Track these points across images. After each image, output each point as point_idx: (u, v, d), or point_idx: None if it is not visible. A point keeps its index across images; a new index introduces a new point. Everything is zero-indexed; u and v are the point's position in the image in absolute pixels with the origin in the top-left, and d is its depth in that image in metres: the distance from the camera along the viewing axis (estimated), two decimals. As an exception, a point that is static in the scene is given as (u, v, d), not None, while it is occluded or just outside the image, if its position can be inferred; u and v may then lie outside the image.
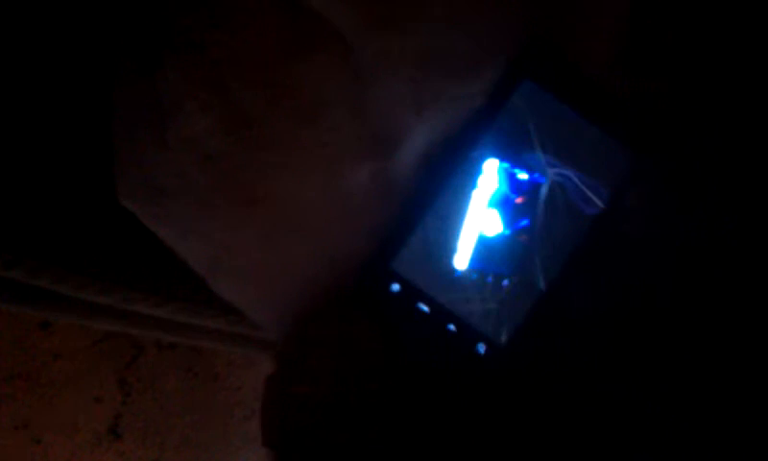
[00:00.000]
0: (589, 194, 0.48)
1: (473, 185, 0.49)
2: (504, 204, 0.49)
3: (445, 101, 0.45)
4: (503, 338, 0.49)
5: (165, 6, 0.44)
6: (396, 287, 0.49)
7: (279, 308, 0.50)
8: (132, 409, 0.78)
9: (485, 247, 0.50)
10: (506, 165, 0.48)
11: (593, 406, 0.48)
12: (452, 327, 0.49)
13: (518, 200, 0.49)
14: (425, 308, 0.49)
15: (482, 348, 0.49)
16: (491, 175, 0.48)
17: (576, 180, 0.48)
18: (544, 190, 0.49)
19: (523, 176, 0.49)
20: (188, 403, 0.78)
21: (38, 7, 0.49)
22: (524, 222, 0.49)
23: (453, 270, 0.49)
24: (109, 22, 0.46)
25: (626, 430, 0.48)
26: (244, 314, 0.52)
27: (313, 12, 0.42)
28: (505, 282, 0.49)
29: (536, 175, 0.49)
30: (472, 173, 0.48)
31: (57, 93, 0.51)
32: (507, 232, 0.49)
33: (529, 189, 0.50)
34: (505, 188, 0.49)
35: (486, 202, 0.49)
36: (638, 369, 0.49)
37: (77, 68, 0.50)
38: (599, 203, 0.49)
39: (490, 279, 0.49)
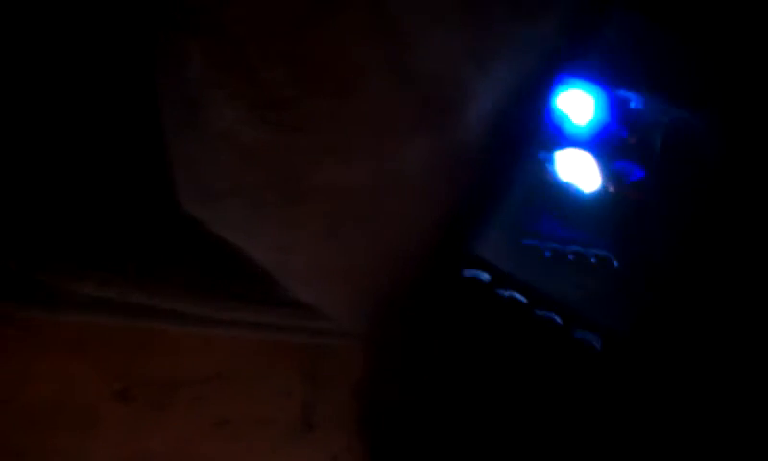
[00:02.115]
0: (712, 138, 0.37)
1: (563, 132, 0.39)
2: (607, 145, 0.39)
3: (511, 47, 0.37)
4: (624, 327, 0.39)
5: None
6: (485, 277, 0.41)
7: (350, 302, 0.45)
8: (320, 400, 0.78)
9: (585, 211, 0.40)
10: (607, 89, 0.38)
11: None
12: (557, 318, 0.40)
13: (630, 139, 0.39)
14: (522, 298, 0.41)
15: (597, 341, 0.40)
16: (585, 103, 0.38)
17: (695, 121, 0.37)
18: (658, 135, 0.39)
19: (634, 103, 0.38)
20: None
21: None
22: (635, 173, 0.39)
23: (552, 248, 0.40)
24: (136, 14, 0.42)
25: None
26: (318, 309, 0.47)
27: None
28: (605, 256, 0.39)
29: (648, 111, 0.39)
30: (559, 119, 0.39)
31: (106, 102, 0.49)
32: (612, 188, 0.39)
33: (643, 125, 0.39)
34: (608, 120, 0.39)
35: (581, 144, 0.39)
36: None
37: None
38: (724, 148, 0.37)
39: (585, 253, 0.40)
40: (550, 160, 0.39)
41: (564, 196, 0.39)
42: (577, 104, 0.38)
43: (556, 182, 0.39)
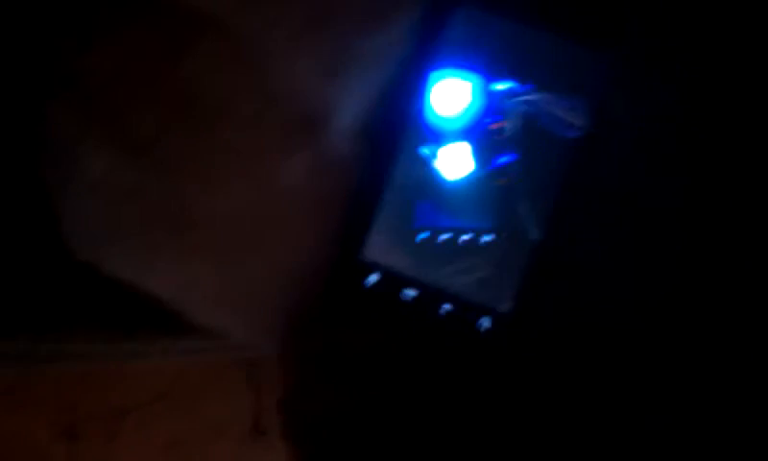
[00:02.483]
0: (568, 116, 0.39)
1: (431, 124, 0.41)
2: (475, 132, 0.41)
3: (365, 56, 0.38)
4: (506, 305, 0.42)
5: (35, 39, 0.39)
6: (373, 279, 0.42)
7: (257, 324, 0.46)
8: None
9: (458, 198, 0.42)
10: (474, 78, 0.40)
11: (613, 360, 0.40)
12: (448, 306, 0.42)
13: (494, 125, 0.41)
14: (412, 293, 0.42)
15: (486, 321, 0.42)
16: (459, 93, 0.40)
17: (550, 103, 0.39)
18: (517, 121, 0.40)
19: (501, 87, 0.40)
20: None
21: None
22: (504, 158, 0.41)
23: (431, 240, 0.42)
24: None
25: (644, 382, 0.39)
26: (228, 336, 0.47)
27: (179, 7, 0.36)
28: (491, 239, 0.41)
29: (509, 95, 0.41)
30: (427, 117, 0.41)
31: None
32: (481, 173, 0.41)
33: (509, 110, 0.41)
34: (481, 108, 0.41)
35: (452, 133, 0.41)
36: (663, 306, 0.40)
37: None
38: (580, 123, 0.39)
39: (475, 238, 0.41)
40: (431, 154, 0.40)
41: (446, 187, 0.41)
42: (450, 94, 0.40)
43: (438, 175, 0.41)
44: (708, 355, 0.41)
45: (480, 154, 0.42)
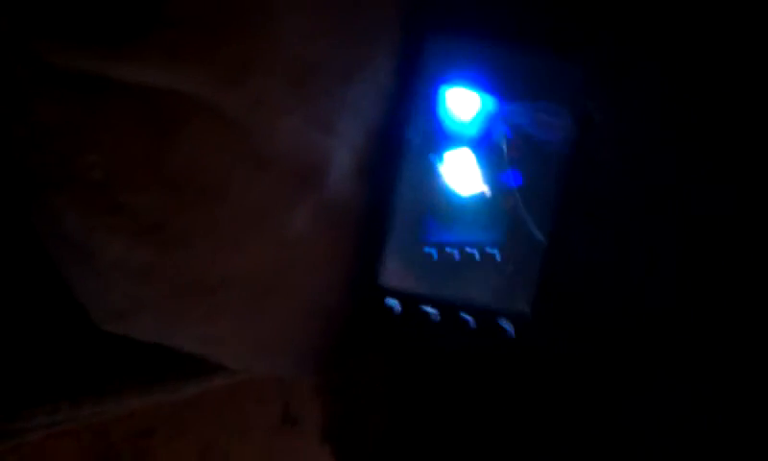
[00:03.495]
0: (553, 123, 0.40)
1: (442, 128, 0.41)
2: (482, 142, 0.42)
3: (351, 101, 0.38)
4: (526, 308, 0.43)
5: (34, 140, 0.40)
6: (393, 303, 0.44)
7: (287, 365, 0.47)
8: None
9: (465, 212, 0.43)
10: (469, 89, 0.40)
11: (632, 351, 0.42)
12: (470, 318, 0.44)
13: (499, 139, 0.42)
14: (434, 312, 0.44)
15: (509, 327, 0.43)
16: (468, 100, 0.41)
17: (533, 114, 0.40)
18: (514, 134, 0.41)
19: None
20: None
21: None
22: (507, 174, 0.42)
23: (442, 256, 0.43)
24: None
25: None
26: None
27: (164, 94, 0.36)
28: (499, 247, 0.42)
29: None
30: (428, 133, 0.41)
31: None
32: (486, 188, 0.42)
33: (502, 125, 0.42)
34: (485, 117, 0.41)
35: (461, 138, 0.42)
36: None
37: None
38: (566, 131, 0.40)
39: (483, 248, 0.42)
40: (438, 160, 0.41)
41: (453, 202, 0.42)
42: (462, 101, 0.40)
43: (443, 190, 0.41)
44: (714, 347, 0.42)
45: (485, 167, 0.42)
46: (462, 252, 0.43)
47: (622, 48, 0.40)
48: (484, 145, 0.41)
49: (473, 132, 0.41)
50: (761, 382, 0.40)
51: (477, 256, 0.43)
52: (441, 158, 0.42)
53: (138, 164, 0.38)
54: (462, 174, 0.42)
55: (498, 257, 0.43)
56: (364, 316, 0.44)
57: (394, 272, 0.43)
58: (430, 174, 0.42)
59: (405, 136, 0.42)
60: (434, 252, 0.43)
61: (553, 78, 0.40)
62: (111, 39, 0.36)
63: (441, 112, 0.41)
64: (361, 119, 0.39)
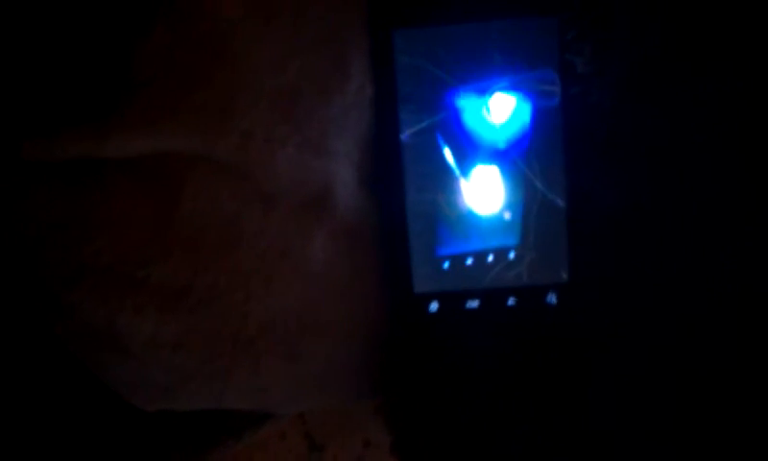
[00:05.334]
0: (540, 87, 0.39)
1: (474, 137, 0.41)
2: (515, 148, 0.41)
3: (336, 118, 0.38)
4: (564, 275, 0.42)
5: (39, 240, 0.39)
6: (433, 307, 0.43)
7: (338, 398, 0.46)
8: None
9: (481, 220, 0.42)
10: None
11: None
12: (511, 301, 0.43)
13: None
14: (474, 304, 0.43)
15: (552, 298, 0.42)
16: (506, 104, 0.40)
17: (521, 82, 0.39)
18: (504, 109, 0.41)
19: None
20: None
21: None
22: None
23: (472, 241, 0.42)
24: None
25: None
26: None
27: (155, 159, 0.36)
28: (522, 223, 0.41)
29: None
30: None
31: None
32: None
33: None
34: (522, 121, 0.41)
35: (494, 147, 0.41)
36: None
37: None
38: (554, 88, 0.39)
39: (512, 221, 0.42)
40: (462, 174, 0.40)
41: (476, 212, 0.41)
42: (501, 105, 0.39)
43: (466, 204, 0.41)
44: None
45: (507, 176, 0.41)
46: (501, 249, 0.42)
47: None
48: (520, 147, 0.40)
49: (503, 138, 0.40)
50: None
51: (506, 232, 0.42)
52: (473, 159, 0.41)
53: (148, 236, 0.37)
54: (487, 183, 0.41)
55: (524, 229, 0.42)
56: (405, 326, 0.43)
57: (426, 275, 0.42)
58: (438, 175, 0.41)
59: (400, 140, 0.41)
60: (462, 241, 0.42)
61: (530, 38, 0.39)
62: (91, 117, 0.36)
63: (470, 121, 0.40)
64: (350, 132, 0.38)
